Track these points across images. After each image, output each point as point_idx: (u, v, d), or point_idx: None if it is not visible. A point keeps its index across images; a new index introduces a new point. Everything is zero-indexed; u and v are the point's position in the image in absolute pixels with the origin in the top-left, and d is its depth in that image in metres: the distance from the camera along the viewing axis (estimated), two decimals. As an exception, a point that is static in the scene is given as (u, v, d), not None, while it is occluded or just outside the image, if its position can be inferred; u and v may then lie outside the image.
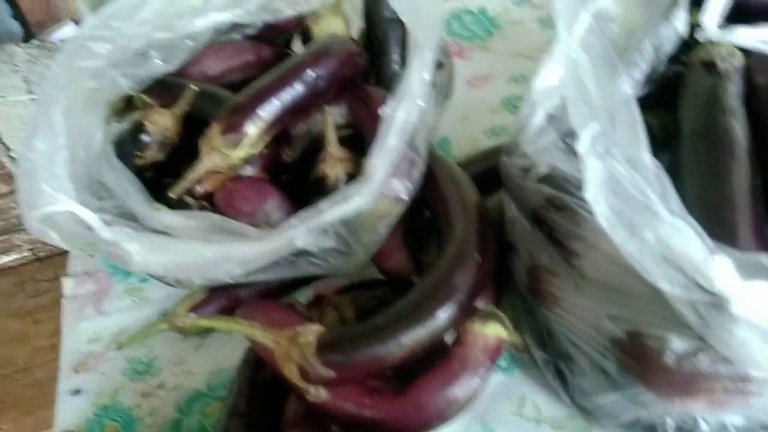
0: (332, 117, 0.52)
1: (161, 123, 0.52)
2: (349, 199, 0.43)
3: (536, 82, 0.48)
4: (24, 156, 0.49)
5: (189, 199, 0.48)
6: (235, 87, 0.63)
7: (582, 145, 0.39)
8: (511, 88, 0.76)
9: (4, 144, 1.08)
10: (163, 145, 0.52)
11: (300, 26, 0.66)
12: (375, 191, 0.43)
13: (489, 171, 0.60)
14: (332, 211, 0.42)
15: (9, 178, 1.15)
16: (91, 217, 0.47)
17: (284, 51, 0.68)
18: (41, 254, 1.30)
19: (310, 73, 0.50)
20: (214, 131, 0.47)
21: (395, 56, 0.63)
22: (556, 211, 0.42)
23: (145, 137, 0.51)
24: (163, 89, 0.59)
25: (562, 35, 0.47)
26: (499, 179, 0.60)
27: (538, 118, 0.47)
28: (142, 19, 0.55)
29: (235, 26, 0.65)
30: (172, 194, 0.47)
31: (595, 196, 0.37)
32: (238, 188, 0.47)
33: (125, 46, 0.54)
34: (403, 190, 0.47)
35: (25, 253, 1.29)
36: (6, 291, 1.26)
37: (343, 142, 0.54)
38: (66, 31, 1.13)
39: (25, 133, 0.50)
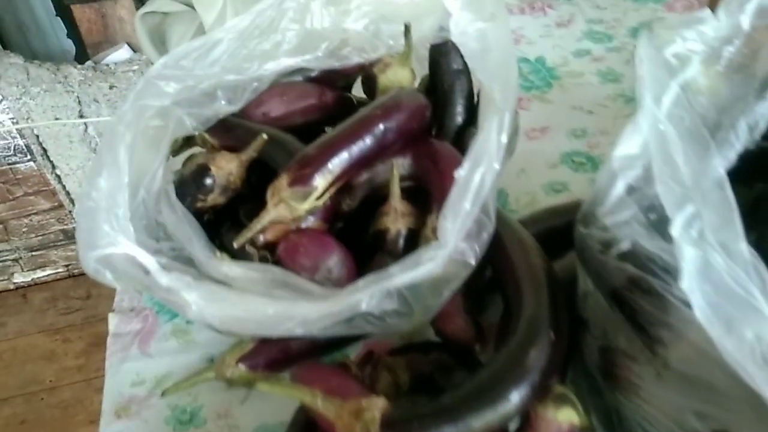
0: (399, 171, 0.51)
1: (226, 168, 0.51)
2: (420, 264, 0.41)
3: (617, 151, 0.46)
4: (86, 194, 0.48)
5: (250, 248, 0.47)
6: (296, 129, 0.63)
7: (675, 229, 0.37)
8: (570, 142, 0.74)
9: (51, 162, 1.09)
10: (226, 189, 0.51)
11: (364, 71, 0.65)
12: (448, 257, 0.41)
13: (553, 231, 0.59)
14: (403, 276, 0.41)
15: (52, 195, 1.16)
16: (149, 261, 0.46)
17: (346, 96, 0.67)
18: (75, 271, 1.30)
19: (381, 127, 0.49)
20: (283, 182, 0.46)
21: (459, 108, 0.62)
22: (640, 294, 0.39)
23: (208, 181, 0.50)
24: (225, 129, 0.58)
25: (646, 104, 0.46)
26: (564, 241, 0.58)
27: (618, 189, 0.45)
28: (213, 59, 0.54)
29: (300, 69, 0.65)
30: (236, 243, 0.45)
31: (691, 286, 0.35)
32: (302, 242, 0.45)
33: (193, 86, 0.54)
34: (471, 254, 0.45)
35: (60, 270, 1.30)
36: (38, 306, 1.27)
37: (405, 194, 0.53)
38: (121, 54, 1.14)
39: (88, 170, 0.50)
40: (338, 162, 0.47)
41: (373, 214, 0.56)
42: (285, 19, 0.57)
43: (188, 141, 0.62)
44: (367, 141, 0.48)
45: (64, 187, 1.14)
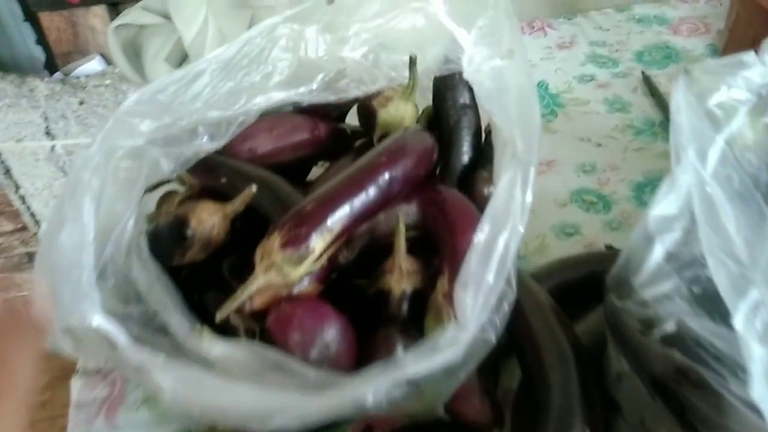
0: (404, 224, 0.45)
1: (208, 221, 0.44)
2: (438, 352, 0.35)
3: (653, 211, 0.41)
4: (45, 251, 0.41)
5: (235, 318, 0.40)
6: (286, 166, 0.57)
7: (739, 321, 0.32)
8: (579, 178, 0.69)
9: (15, 182, 1.01)
10: (207, 245, 0.45)
11: (360, 103, 0.59)
12: (469, 342, 0.36)
13: (570, 286, 0.54)
14: (417, 366, 0.35)
15: (16, 216, 1.08)
16: (117, 334, 0.40)
17: (341, 128, 0.61)
18: (41, 295, 1.21)
19: (386, 177, 0.43)
20: (274, 243, 0.39)
21: (466, 146, 0.56)
22: (690, 387, 0.34)
23: (187, 235, 0.44)
24: (208, 168, 0.52)
25: (688, 160, 0.41)
26: (581, 296, 0.53)
27: (656, 255, 0.40)
28: (194, 94, 0.48)
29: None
30: (218, 317, 0.39)
31: (763, 394, 0.30)
32: (296, 314, 0.39)
33: (171, 124, 0.47)
34: (492, 331, 0.39)
35: (25, 293, 1.21)
36: (0, 333, 1.18)
37: (409, 245, 0.47)
38: (93, 65, 1.07)
39: (48, 222, 0.43)
40: (338, 218, 0.41)
41: (372, 263, 0.50)
42: (276, 48, 0.51)
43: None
44: (371, 193, 0.42)
45: (28, 208, 1.06)
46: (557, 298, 0.48)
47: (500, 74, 0.46)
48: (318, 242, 0.40)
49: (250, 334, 0.41)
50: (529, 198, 0.39)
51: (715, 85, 0.41)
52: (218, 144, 0.51)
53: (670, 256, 0.40)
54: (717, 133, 0.40)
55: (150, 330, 0.42)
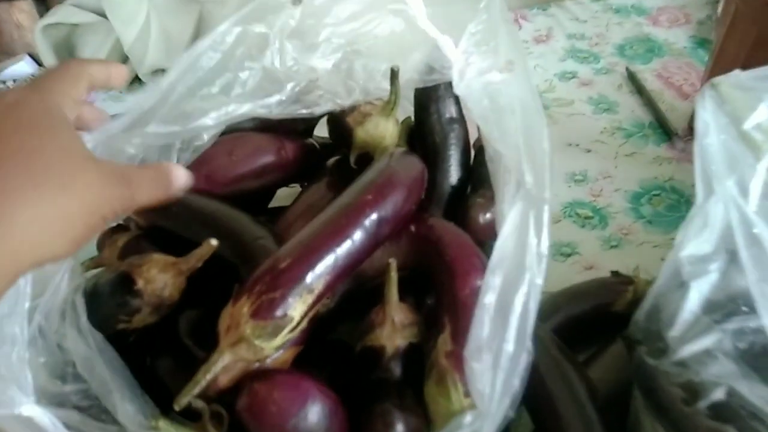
0: (395, 271, 0.38)
1: (159, 280, 0.36)
2: None
3: (684, 251, 0.36)
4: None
5: (197, 402, 0.33)
6: (248, 195, 0.49)
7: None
8: (571, 190, 0.64)
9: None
10: (158, 308, 0.37)
11: (331, 116, 0.52)
12: (494, 421, 0.29)
13: (573, 322, 0.48)
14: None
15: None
16: (51, 426, 0.32)
17: (309, 145, 0.54)
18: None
19: (373, 218, 0.36)
20: (242, 312, 0.32)
21: (454, 166, 0.50)
22: (750, 472, 0.29)
23: (134, 300, 0.36)
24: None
25: (723, 193, 0.35)
26: (586, 332, 0.48)
27: (692, 304, 0.34)
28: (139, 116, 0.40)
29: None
30: (176, 406, 0.32)
31: None
32: (272, 396, 0.32)
33: (113, 152, 0.39)
34: (509, 404, 0.33)
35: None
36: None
37: (399, 289, 0.40)
38: (21, 67, 0.95)
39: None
40: (320, 274, 0.34)
41: (355, 308, 0.44)
42: (237, 56, 0.43)
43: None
44: (357, 239, 0.35)
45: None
46: (562, 337, 0.43)
47: (499, 91, 0.39)
48: (297, 307, 0.33)
49: (217, 420, 0.34)
50: (545, 243, 0.33)
51: (750, 103, 0.36)
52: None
53: (708, 305, 0.34)
54: (758, 160, 0.34)
55: (93, 415, 0.35)
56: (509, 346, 0.31)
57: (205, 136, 0.45)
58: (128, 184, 0.30)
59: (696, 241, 0.36)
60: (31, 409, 0.32)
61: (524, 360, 0.30)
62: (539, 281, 0.33)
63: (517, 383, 0.30)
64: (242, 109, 0.44)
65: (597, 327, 0.47)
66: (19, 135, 0.27)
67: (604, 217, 0.61)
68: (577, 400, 0.36)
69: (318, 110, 0.47)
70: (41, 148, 0.27)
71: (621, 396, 0.39)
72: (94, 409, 0.35)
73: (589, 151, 0.68)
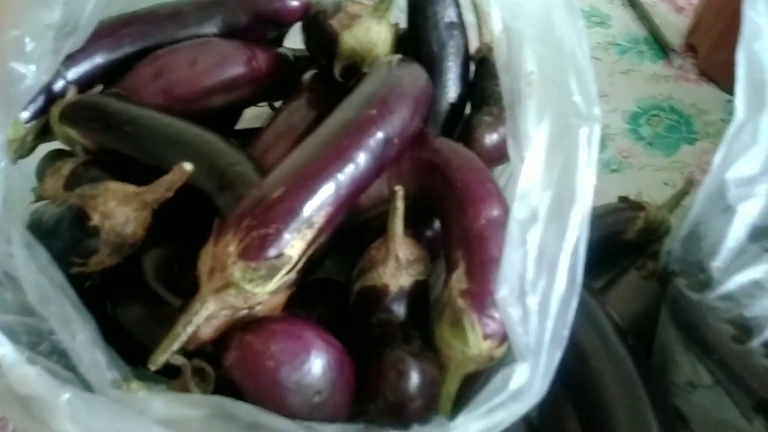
0: (401, 201, 0.33)
1: (119, 215, 0.30)
2: (502, 406, 0.24)
3: (729, 173, 0.32)
4: None
5: (176, 358, 0.28)
6: (212, 118, 0.42)
7: None
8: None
9: None
10: (119, 248, 0.31)
11: (310, 19, 0.44)
12: (546, 376, 0.25)
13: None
14: (469, 426, 0.24)
15: None
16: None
17: (282, 56, 0.46)
18: None
19: (379, 136, 0.31)
20: (228, 251, 0.26)
21: (453, 80, 0.44)
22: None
23: (89, 240, 0.29)
24: (103, 121, 0.37)
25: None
26: (599, 263, 0.44)
27: (738, 232, 0.31)
28: None
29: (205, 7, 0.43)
30: (152, 365, 0.26)
31: None
32: (268, 350, 0.27)
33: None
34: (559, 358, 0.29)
35: None
36: None
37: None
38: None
39: None
40: (322, 204, 0.28)
41: (348, 246, 0.39)
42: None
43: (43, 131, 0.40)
44: (362, 161, 0.30)
45: None
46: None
47: None
48: (295, 244, 0.27)
49: (200, 376, 0.28)
50: (594, 168, 0.28)
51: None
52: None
53: (756, 231, 0.31)
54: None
55: (44, 354, 0.29)
56: (559, 289, 0.26)
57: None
58: None
59: (741, 161, 0.32)
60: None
61: (574, 305, 0.25)
62: (589, 210, 0.28)
63: (566, 332, 0.25)
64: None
65: (607, 256, 0.43)
66: None
67: (602, 139, 0.56)
68: (607, 340, 0.32)
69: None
70: None
71: (640, 331, 0.36)
72: (47, 349, 0.29)
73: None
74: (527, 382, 0.24)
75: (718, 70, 0.59)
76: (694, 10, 0.65)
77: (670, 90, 0.61)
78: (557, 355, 0.25)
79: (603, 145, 0.56)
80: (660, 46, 0.65)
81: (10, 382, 0.26)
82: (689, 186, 0.46)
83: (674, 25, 0.67)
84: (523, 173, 0.29)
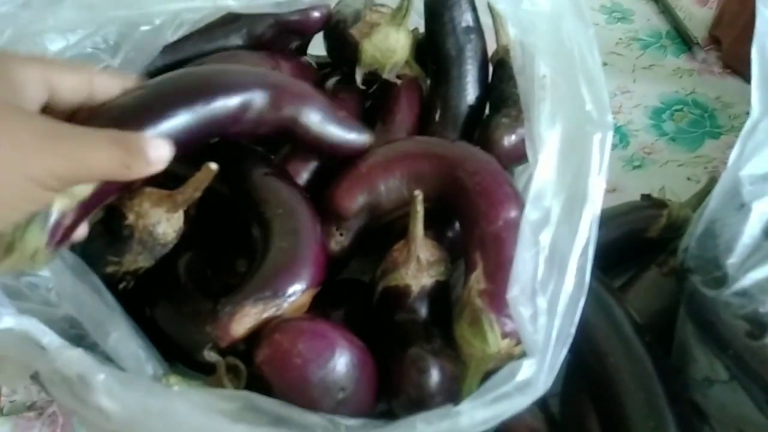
0: (421, 204, 0.34)
1: (152, 216, 0.32)
2: (507, 397, 0.26)
3: (744, 170, 0.32)
4: None
5: (210, 355, 0.30)
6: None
7: None
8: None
9: None
10: (152, 248, 0.33)
11: (331, 29, 0.46)
12: (552, 372, 0.26)
13: (606, 249, 0.45)
14: (475, 414, 0.26)
15: None
16: (40, 332, 0.28)
17: (306, 64, 0.48)
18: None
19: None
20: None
21: (472, 83, 0.45)
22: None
23: (124, 237, 0.32)
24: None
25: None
26: (618, 257, 0.45)
27: (754, 229, 0.31)
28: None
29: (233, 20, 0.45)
30: (209, 357, 0.28)
31: None
32: (296, 348, 0.28)
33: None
34: (565, 353, 0.30)
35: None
36: None
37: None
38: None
39: None
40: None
41: (372, 248, 0.40)
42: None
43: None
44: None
45: None
46: (594, 266, 0.40)
47: None
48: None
49: (233, 373, 0.30)
50: (605, 174, 0.29)
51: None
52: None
53: (772, 228, 0.31)
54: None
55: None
56: (567, 289, 0.27)
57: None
58: (73, 144, 0.24)
59: (757, 158, 0.32)
60: (12, 320, 0.28)
61: (582, 304, 0.26)
62: (598, 214, 0.29)
63: (573, 330, 0.26)
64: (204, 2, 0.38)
65: (630, 254, 0.44)
66: None
67: (624, 135, 0.57)
68: (624, 337, 0.33)
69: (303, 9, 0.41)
70: None
71: (660, 328, 0.37)
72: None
73: (605, 64, 0.63)
74: (533, 375, 0.25)
75: (743, 63, 0.58)
76: (718, 1, 0.65)
77: (694, 84, 0.60)
78: (563, 352, 0.26)
79: (626, 142, 0.56)
80: (683, 39, 0.64)
81: (58, 366, 0.28)
82: (712, 183, 0.46)
83: (698, 17, 0.67)
84: (536, 175, 0.30)
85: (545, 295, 0.27)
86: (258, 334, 0.30)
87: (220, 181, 0.34)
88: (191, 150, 0.31)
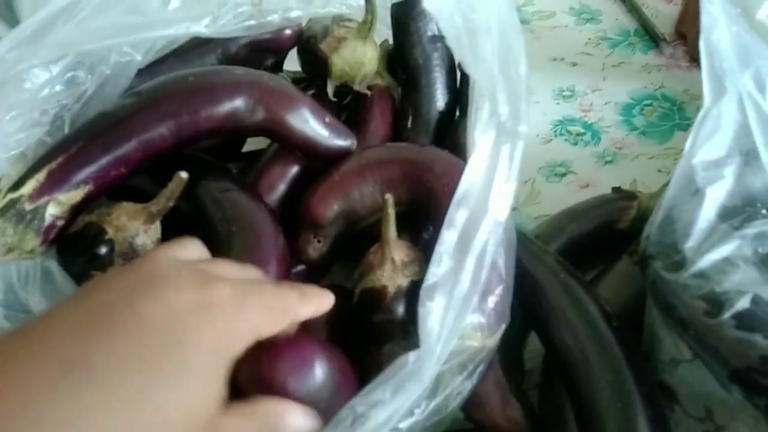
0: (392, 207, 0.35)
1: (130, 228, 0.33)
2: (399, 390, 0.27)
3: (696, 158, 0.33)
4: None
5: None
6: (220, 143, 0.45)
7: None
8: (560, 107, 0.61)
9: None
10: (132, 259, 0.34)
11: (302, 45, 0.47)
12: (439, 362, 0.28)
13: (578, 242, 0.46)
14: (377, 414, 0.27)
15: None
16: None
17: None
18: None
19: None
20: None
21: (440, 90, 0.47)
22: (783, 380, 0.28)
23: (104, 250, 0.33)
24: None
25: (736, 90, 0.33)
26: (591, 250, 0.46)
27: (708, 213, 0.33)
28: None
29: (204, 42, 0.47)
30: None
31: None
32: (276, 366, 0.29)
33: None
34: (488, 332, 0.31)
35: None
36: None
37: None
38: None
39: None
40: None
41: (350, 253, 0.41)
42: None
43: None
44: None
45: None
46: (567, 259, 0.41)
47: (473, 6, 0.35)
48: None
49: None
50: (513, 182, 0.31)
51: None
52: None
53: (725, 211, 0.33)
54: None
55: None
56: (462, 287, 0.29)
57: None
58: None
59: (708, 145, 0.34)
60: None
61: (474, 302, 0.28)
62: (502, 221, 0.31)
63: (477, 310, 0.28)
64: (177, 31, 0.39)
65: (602, 246, 0.45)
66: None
67: (596, 132, 0.58)
68: (592, 323, 0.34)
69: (272, 30, 0.42)
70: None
71: (632, 314, 0.38)
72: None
73: (575, 64, 0.65)
74: (420, 362, 0.28)
75: (708, 56, 0.60)
76: (683, -2, 0.67)
77: (662, 79, 0.62)
78: (451, 345, 0.29)
79: (597, 139, 0.58)
80: (650, 36, 0.66)
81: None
82: (679, 173, 0.47)
83: (664, 14, 0.69)
84: (462, 180, 0.32)
85: (445, 291, 0.29)
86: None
87: (181, 198, 0.35)
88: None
